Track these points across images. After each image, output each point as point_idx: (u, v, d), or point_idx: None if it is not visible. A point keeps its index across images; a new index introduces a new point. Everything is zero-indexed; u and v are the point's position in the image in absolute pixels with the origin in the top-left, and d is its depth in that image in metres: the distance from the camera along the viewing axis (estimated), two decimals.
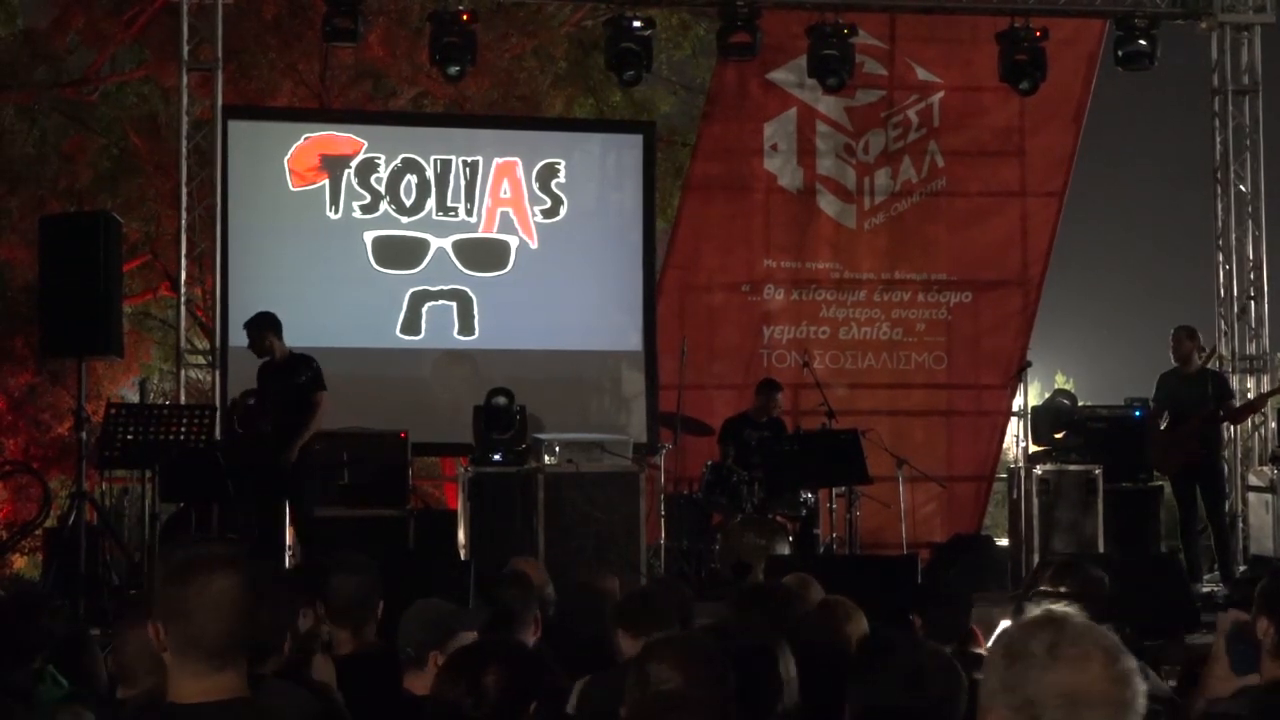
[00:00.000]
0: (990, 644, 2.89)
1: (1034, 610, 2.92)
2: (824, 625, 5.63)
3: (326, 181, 14.71)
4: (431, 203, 14.85)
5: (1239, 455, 15.08)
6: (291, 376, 12.16)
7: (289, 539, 12.40)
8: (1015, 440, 15.99)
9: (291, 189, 14.65)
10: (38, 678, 5.45)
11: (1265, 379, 15.38)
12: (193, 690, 3.50)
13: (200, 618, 3.48)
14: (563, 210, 15.07)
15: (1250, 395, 15.02)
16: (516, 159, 15.08)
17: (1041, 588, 5.92)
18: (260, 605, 3.63)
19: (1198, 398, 13.28)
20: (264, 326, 12.22)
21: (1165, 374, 13.64)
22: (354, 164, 14.75)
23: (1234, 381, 14.95)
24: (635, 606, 5.95)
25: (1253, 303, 15.55)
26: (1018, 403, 15.70)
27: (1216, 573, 13.51)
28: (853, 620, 5.72)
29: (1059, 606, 2.92)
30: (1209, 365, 14.04)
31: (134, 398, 17.30)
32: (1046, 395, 15.67)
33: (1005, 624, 2.78)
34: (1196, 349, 13.54)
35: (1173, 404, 13.45)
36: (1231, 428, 14.74)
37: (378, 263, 14.72)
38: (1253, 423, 15.11)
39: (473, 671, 4.29)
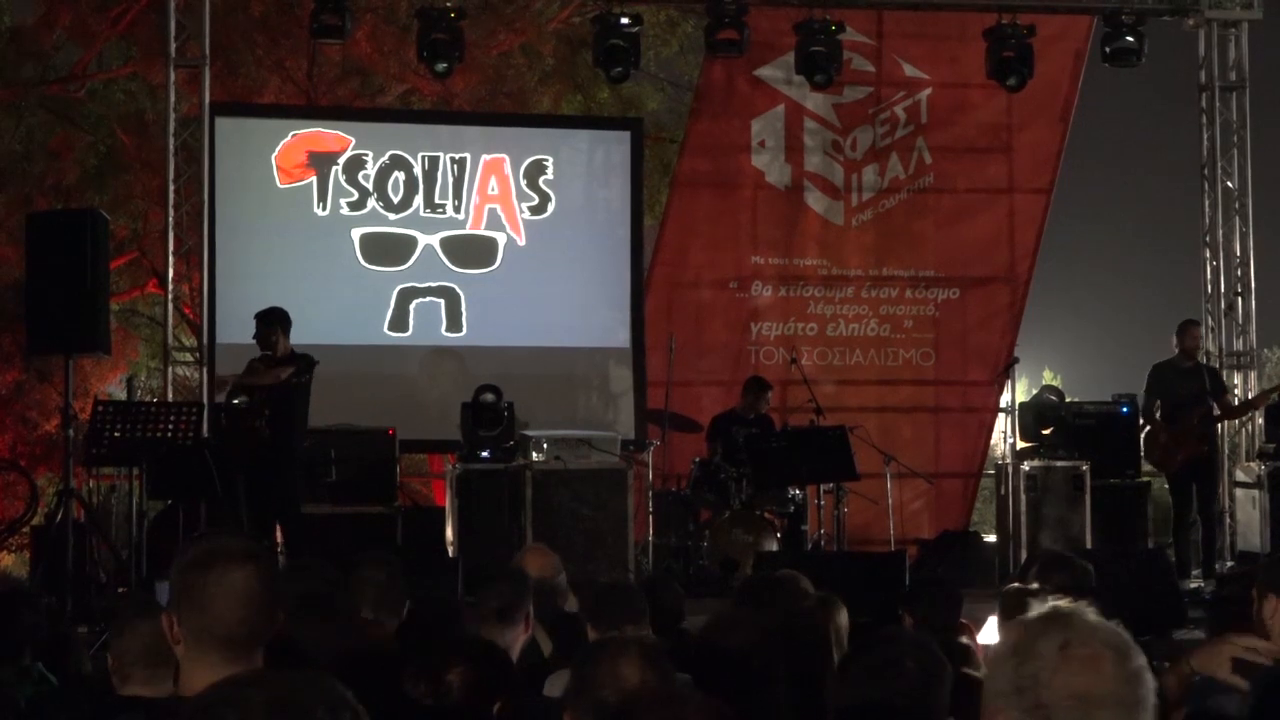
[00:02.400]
0: (996, 642, 2.79)
1: (1038, 606, 2.84)
2: (818, 620, 5.63)
3: (314, 178, 14.69)
4: (419, 200, 14.84)
5: (1226, 451, 15.09)
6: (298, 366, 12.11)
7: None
8: (1003, 436, 16.01)
9: (279, 186, 14.63)
10: (23, 675, 5.44)
11: (1252, 375, 15.40)
12: (208, 684, 3.43)
13: (217, 607, 3.46)
14: (550, 207, 15.06)
15: (1237, 391, 15.04)
16: (504, 156, 15.07)
17: (1030, 584, 5.93)
18: (276, 601, 3.61)
19: (1196, 391, 13.28)
20: (274, 321, 12.08)
21: (1159, 366, 13.63)
22: (341, 161, 14.74)
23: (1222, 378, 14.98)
24: (601, 601, 5.92)
25: (1240, 299, 15.57)
26: (1005, 399, 15.72)
27: (1198, 570, 13.51)
28: (839, 615, 5.71)
29: (1064, 602, 2.85)
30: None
31: (121, 395, 17.26)
32: (1034, 391, 15.69)
33: (993, 620, 2.70)
34: (1198, 343, 13.62)
35: (1169, 397, 13.44)
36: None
37: (365, 260, 14.71)
38: (1239, 419, 15.12)
39: (436, 669, 4.27)
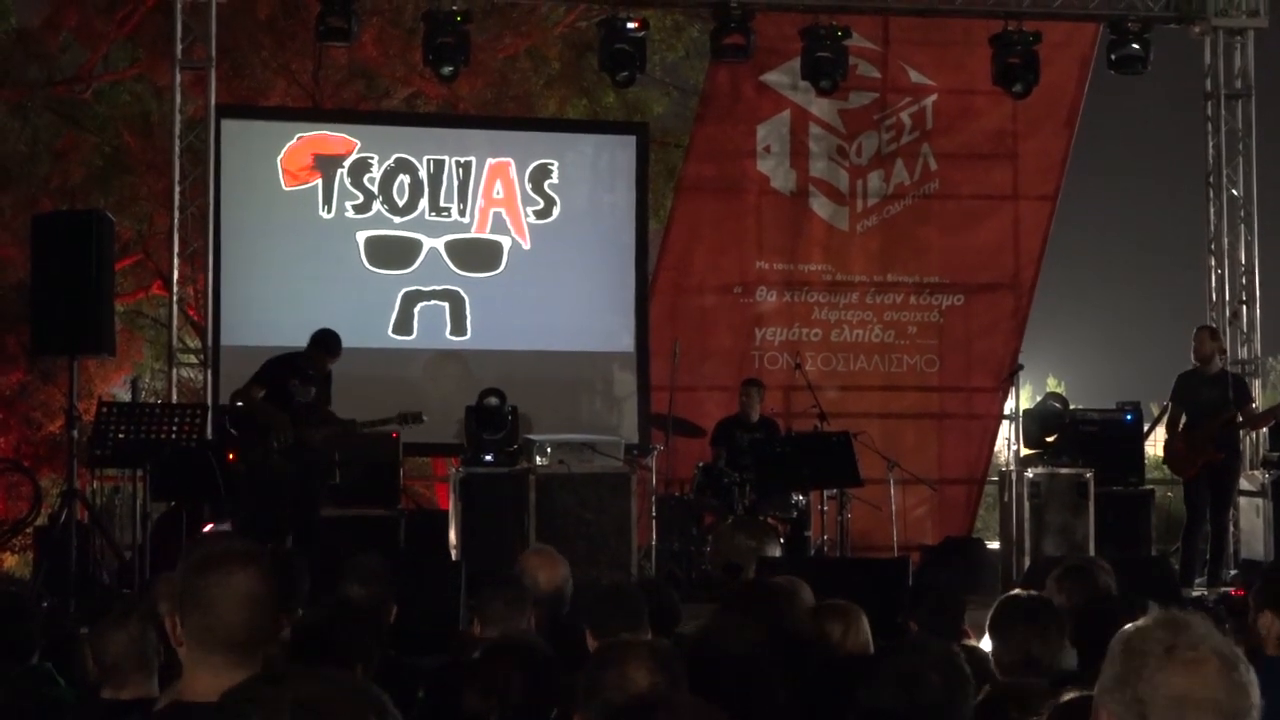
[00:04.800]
0: (1111, 641, 2.86)
1: (1156, 612, 2.89)
2: (815, 628, 5.62)
3: (319, 181, 14.70)
4: (424, 203, 14.85)
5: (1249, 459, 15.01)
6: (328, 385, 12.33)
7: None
8: (1006, 443, 15.99)
9: (284, 188, 14.65)
10: (33, 676, 5.45)
11: (1257, 383, 15.37)
12: (210, 687, 3.36)
13: (220, 609, 3.47)
14: (555, 211, 15.07)
15: None
16: (509, 159, 15.08)
17: (1032, 590, 5.91)
18: (279, 604, 3.62)
19: (1218, 399, 13.22)
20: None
21: (1184, 374, 13.54)
22: (347, 164, 14.75)
23: None
24: (600, 605, 5.90)
25: (1245, 307, 15.55)
26: (1009, 406, 15.69)
27: (1206, 577, 13.48)
28: (851, 625, 5.70)
29: (1181, 611, 2.89)
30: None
31: (126, 396, 17.29)
32: (1038, 398, 15.67)
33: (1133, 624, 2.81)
34: (1219, 350, 13.53)
35: (1191, 405, 13.38)
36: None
37: (370, 263, 14.72)
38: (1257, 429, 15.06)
39: (500, 682, 4.25)
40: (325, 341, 12.15)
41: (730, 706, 3.88)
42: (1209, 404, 13.23)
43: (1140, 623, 2.85)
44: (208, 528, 12.28)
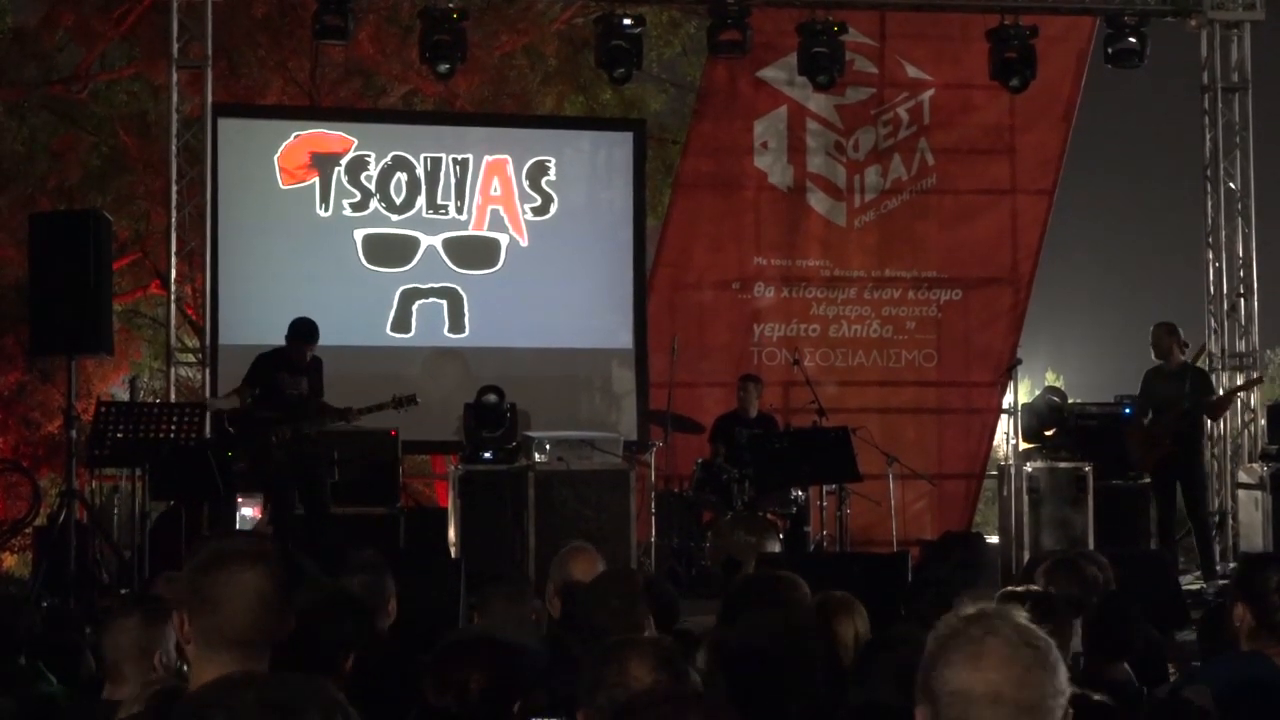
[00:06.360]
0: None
1: (967, 608, 2.83)
2: (820, 623, 5.61)
3: (317, 179, 14.69)
4: (422, 200, 14.84)
5: (1229, 452, 15.08)
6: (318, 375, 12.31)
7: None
8: (1005, 438, 16.00)
9: (281, 187, 14.64)
10: (23, 675, 5.45)
11: (1255, 376, 15.38)
12: None
13: (229, 607, 3.48)
14: (553, 208, 15.07)
15: (1240, 395, 15.02)
16: (507, 157, 15.08)
17: (1031, 585, 5.91)
18: (287, 602, 3.62)
19: (1175, 394, 13.28)
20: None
21: (1149, 371, 13.65)
22: (344, 162, 14.74)
23: (1224, 379, 14.97)
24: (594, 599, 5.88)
25: (1242, 300, 15.55)
26: (1008, 400, 15.71)
27: (1199, 571, 13.48)
28: (847, 618, 5.69)
29: (990, 604, 2.83)
30: (1198, 362, 14.04)
31: (124, 396, 17.29)
32: (1037, 393, 15.71)
33: None
34: (1177, 345, 13.53)
35: (1153, 400, 13.46)
36: (1221, 423, 14.77)
37: (368, 261, 14.71)
38: (1242, 420, 15.12)
39: (457, 677, 4.27)
40: (300, 330, 12.17)
41: (765, 701, 3.89)
42: (1167, 399, 13.31)
43: (940, 621, 2.79)
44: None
